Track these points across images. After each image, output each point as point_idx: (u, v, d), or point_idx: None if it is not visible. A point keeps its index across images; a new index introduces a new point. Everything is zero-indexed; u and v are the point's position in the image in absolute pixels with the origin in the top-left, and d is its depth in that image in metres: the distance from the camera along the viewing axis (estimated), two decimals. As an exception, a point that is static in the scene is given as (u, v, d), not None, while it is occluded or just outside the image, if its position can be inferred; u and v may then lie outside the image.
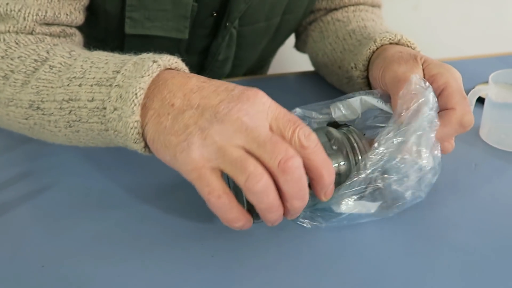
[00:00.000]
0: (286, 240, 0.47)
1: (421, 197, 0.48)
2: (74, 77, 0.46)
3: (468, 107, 0.50)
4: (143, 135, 0.43)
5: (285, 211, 0.42)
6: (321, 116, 0.55)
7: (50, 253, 0.47)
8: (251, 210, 0.42)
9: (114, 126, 0.43)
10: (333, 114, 0.54)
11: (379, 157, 0.45)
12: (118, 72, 0.44)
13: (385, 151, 0.46)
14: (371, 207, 0.47)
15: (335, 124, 0.55)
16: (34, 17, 0.52)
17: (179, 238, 0.48)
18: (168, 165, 0.42)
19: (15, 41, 0.52)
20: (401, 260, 0.45)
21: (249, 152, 0.39)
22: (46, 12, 0.53)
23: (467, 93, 0.70)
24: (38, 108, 0.48)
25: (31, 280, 0.44)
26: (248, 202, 0.41)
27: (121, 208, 0.52)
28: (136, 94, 0.42)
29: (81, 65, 0.47)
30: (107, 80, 0.44)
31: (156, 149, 0.42)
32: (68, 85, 0.46)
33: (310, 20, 0.79)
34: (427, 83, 0.49)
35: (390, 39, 0.59)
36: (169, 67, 0.45)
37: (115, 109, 0.43)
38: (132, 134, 0.42)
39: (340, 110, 0.53)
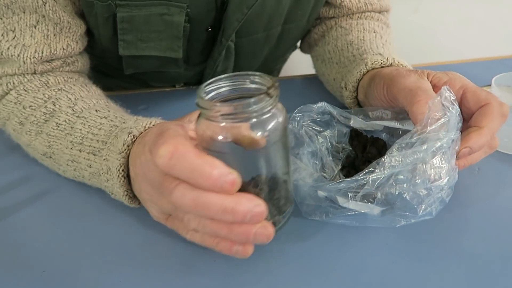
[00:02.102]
0: (289, 245, 0.47)
1: (431, 215, 0.47)
2: (76, 142, 0.52)
3: (496, 97, 0.50)
4: (134, 197, 0.49)
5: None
6: (341, 118, 0.56)
7: (51, 258, 0.46)
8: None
9: (111, 191, 0.50)
10: (351, 123, 0.56)
11: (396, 163, 0.45)
12: (105, 143, 0.50)
13: (402, 159, 0.45)
14: (375, 209, 0.47)
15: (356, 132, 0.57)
16: (32, 59, 0.57)
17: (181, 243, 0.47)
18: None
19: (23, 88, 0.58)
20: (404, 265, 0.45)
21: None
22: (42, 52, 0.57)
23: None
24: (50, 157, 0.55)
25: (32, 285, 0.44)
26: None
27: (122, 213, 0.52)
28: (118, 169, 0.47)
29: (80, 129, 0.52)
30: (98, 151, 0.50)
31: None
32: (71, 148, 0.52)
33: (315, 23, 0.79)
34: (455, 97, 0.48)
35: (381, 63, 0.59)
36: (143, 131, 0.48)
37: (107, 180, 0.49)
38: (125, 200, 0.49)
39: (358, 121, 0.55)
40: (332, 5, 0.75)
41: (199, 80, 0.79)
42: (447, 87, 0.49)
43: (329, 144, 0.55)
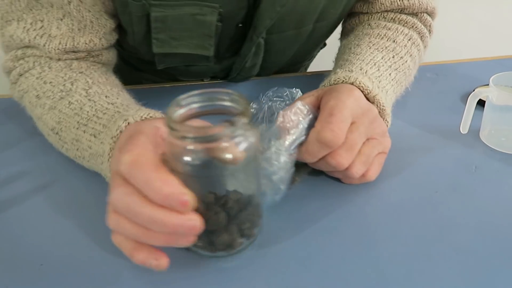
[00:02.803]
0: (287, 241, 0.47)
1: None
2: (82, 123, 0.54)
3: (330, 123, 0.49)
4: None
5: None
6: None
7: (48, 252, 0.46)
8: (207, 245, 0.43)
9: (105, 174, 0.52)
10: None
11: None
12: (105, 126, 0.52)
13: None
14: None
15: None
16: (56, 50, 0.61)
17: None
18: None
19: (48, 66, 0.62)
20: (402, 261, 0.45)
21: None
22: (66, 44, 0.61)
23: (467, 96, 0.71)
24: (57, 133, 0.57)
25: (30, 278, 0.44)
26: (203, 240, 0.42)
27: (120, 207, 0.52)
28: (109, 154, 0.49)
29: (87, 111, 0.55)
30: (99, 133, 0.52)
31: None
32: (77, 128, 0.54)
33: (351, 16, 0.78)
34: (307, 112, 0.51)
35: (343, 80, 0.57)
36: (140, 119, 0.49)
37: (102, 162, 0.51)
38: None
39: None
40: (367, 0, 0.74)
41: (227, 74, 0.79)
42: (301, 102, 0.52)
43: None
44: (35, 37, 0.60)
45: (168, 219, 0.38)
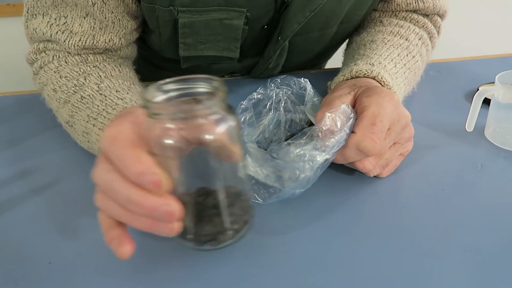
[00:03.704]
0: (294, 237, 0.48)
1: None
2: (91, 117, 0.55)
3: (372, 133, 0.49)
4: None
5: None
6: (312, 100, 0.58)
7: (57, 250, 0.46)
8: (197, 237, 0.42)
9: None
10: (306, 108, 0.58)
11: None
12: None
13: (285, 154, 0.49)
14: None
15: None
16: (75, 46, 0.62)
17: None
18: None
19: (65, 60, 0.63)
20: (408, 259, 0.45)
21: None
22: (86, 42, 0.62)
23: (471, 94, 0.71)
24: (71, 126, 0.59)
25: (39, 276, 0.44)
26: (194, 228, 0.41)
27: (128, 205, 0.52)
28: None
29: (98, 105, 0.55)
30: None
31: None
32: (87, 121, 0.55)
33: None
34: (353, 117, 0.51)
35: (365, 73, 0.58)
36: None
37: None
38: None
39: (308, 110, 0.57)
40: (385, 0, 0.74)
41: (248, 71, 0.80)
42: (345, 104, 0.51)
43: (300, 118, 0.58)
44: (57, 32, 0.61)
45: (143, 200, 0.37)
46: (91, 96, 0.57)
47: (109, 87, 0.58)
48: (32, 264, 0.45)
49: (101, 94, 0.57)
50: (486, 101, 0.64)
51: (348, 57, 0.70)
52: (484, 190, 0.54)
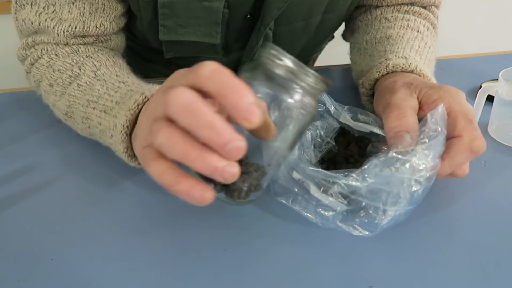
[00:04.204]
0: (299, 234, 0.47)
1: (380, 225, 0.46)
2: (91, 100, 0.54)
3: (476, 130, 0.48)
4: (134, 155, 0.49)
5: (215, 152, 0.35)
6: (334, 111, 0.56)
7: (59, 247, 0.46)
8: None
9: (114, 148, 0.51)
10: (340, 118, 0.55)
11: (372, 178, 0.44)
12: (118, 103, 0.51)
13: (379, 175, 0.44)
14: (339, 206, 0.46)
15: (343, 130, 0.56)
16: (66, 33, 0.60)
17: (191, 233, 0.47)
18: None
19: (55, 53, 0.62)
20: (412, 256, 0.45)
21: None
22: (76, 28, 0.61)
23: (474, 91, 0.71)
24: (70, 117, 0.58)
25: (41, 273, 0.44)
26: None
27: (129, 201, 0.51)
28: (123, 125, 0.48)
29: (98, 89, 0.55)
30: (110, 109, 0.52)
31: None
32: (86, 106, 0.55)
33: (360, 11, 0.77)
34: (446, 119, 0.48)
35: (402, 67, 0.57)
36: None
37: (112, 135, 0.50)
38: (125, 157, 0.50)
39: (346, 118, 0.55)
40: None
41: (235, 68, 0.78)
42: (442, 106, 0.49)
43: (316, 134, 0.54)
44: (45, 20, 0.60)
45: (224, 127, 0.33)
46: (88, 83, 0.56)
47: (107, 73, 0.57)
48: (34, 261, 0.45)
49: (99, 80, 0.56)
50: (490, 98, 0.63)
51: (363, 57, 0.68)
52: (488, 187, 0.54)
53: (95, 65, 0.59)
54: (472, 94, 0.71)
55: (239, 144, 0.34)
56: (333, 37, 0.87)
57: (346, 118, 0.55)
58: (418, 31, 0.68)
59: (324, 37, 0.82)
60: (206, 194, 0.36)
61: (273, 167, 0.43)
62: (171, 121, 0.35)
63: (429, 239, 0.47)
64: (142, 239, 0.47)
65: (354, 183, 0.44)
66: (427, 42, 0.66)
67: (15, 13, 0.62)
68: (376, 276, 0.43)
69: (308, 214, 0.47)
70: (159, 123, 0.35)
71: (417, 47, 0.63)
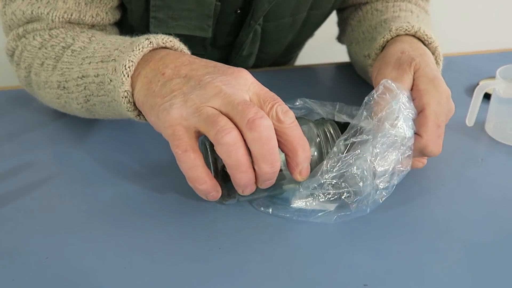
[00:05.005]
0: (293, 233, 0.47)
1: (365, 212, 0.48)
2: (87, 57, 0.52)
3: (437, 137, 0.48)
4: (135, 103, 0.48)
5: (256, 176, 0.43)
6: (324, 113, 0.55)
7: (53, 245, 0.46)
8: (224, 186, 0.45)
9: (113, 96, 0.49)
10: (335, 118, 0.55)
11: (339, 163, 0.46)
12: (117, 49, 0.50)
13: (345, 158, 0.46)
14: (330, 207, 0.48)
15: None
16: (60, 19, 0.58)
17: (186, 231, 0.47)
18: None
19: (48, 34, 0.59)
20: (408, 254, 0.45)
21: (224, 113, 0.42)
22: (71, 15, 0.58)
23: (471, 89, 0.71)
24: (64, 87, 0.55)
25: (35, 271, 0.43)
26: (221, 177, 0.45)
27: (127, 201, 0.51)
28: (125, 66, 0.46)
29: (94, 47, 0.53)
30: (108, 56, 0.50)
31: (144, 112, 0.47)
32: (81, 64, 0.52)
33: (351, 11, 0.77)
34: (398, 92, 0.48)
35: (406, 29, 0.57)
36: (163, 44, 0.49)
37: (111, 80, 0.48)
38: (124, 103, 0.47)
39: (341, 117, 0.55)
40: None
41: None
42: (387, 80, 0.49)
43: None
44: (39, 7, 0.58)
45: (276, 172, 0.43)
46: (82, 47, 0.54)
47: (104, 36, 0.56)
48: (28, 259, 0.45)
49: (94, 40, 0.54)
50: (487, 96, 0.63)
51: (363, 44, 0.68)
52: (485, 184, 0.54)
53: (88, 36, 0.57)
54: (470, 91, 0.71)
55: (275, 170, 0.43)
56: (313, 34, 0.87)
57: (340, 118, 0.55)
58: (411, 12, 0.68)
59: (309, 33, 0.83)
60: (218, 195, 0.45)
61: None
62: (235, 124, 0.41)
63: (425, 237, 0.47)
64: (137, 237, 0.47)
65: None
66: (424, 19, 0.66)
67: (4, 7, 0.60)
68: (371, 275, 0.43)
69: (288, 215, 0.48)
70: (226, 122, 0.41)
71: (416, 19, 0.64)
